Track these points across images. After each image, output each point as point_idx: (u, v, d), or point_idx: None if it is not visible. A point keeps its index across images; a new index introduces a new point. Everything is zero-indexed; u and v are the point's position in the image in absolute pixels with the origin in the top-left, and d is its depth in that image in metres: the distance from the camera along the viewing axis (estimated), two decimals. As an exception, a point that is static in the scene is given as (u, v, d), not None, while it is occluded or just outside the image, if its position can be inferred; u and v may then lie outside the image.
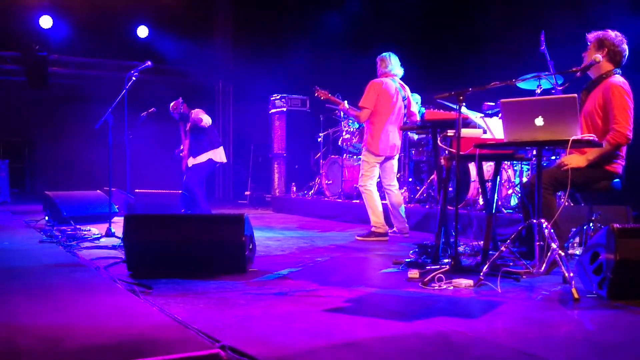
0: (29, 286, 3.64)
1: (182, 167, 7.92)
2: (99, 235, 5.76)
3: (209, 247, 4.01)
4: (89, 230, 6.13)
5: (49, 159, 12.41)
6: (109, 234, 5.72)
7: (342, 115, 8.28)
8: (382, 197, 6.32)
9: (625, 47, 4.31)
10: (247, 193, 11.59)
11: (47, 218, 7.03)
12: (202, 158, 7.61)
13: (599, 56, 4.23)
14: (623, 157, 4.25)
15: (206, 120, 7.49)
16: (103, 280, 3.80)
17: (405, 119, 6.17)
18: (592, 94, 4.31)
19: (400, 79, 6.18)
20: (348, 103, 6.39)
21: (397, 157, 6.22)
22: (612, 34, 4.31)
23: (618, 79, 4.24)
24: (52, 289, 3.58)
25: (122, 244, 4.35)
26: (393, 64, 6.09)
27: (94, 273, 4.04)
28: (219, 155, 7.67)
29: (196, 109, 7.63)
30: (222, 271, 3.95)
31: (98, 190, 7.65)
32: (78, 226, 6.34)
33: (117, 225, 5.43)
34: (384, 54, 6.15)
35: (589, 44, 4.39)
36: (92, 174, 10.48)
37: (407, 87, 6.20)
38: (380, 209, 6.03)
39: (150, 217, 4.32)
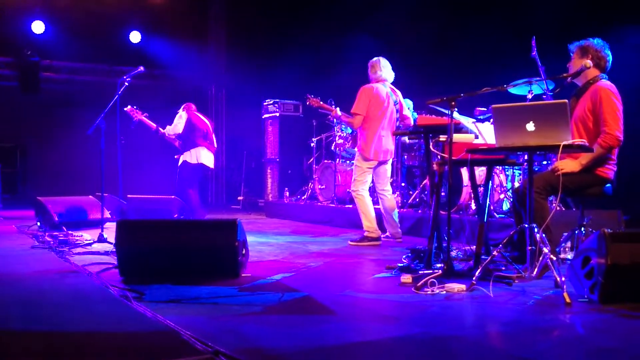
0: (21, 292, 3.63)
1: None
2: (91, 241, 5.74)
3: (201, 253, 4.00)
4: (81, 235, 6.11)
5: (41, 164, 12.35)
6: (101, 239, 5.69)
7: (334, 121, 8.29)
8: (375, 202, 6.33)
9: (608, 52, 4.35)
10: (240, 198, 11.57)
11: (39, 223, 7.00)
12: (180, 161, 7.72)
13: (589, 62, 4.27)
14: (615, 162, 4.29)
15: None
16: (95, 286, 3.79)
17: (398, 123, 6.19)
18: (582, 100, 4.34)
19: (393, 83, 6.19)
20: (340, 110, 6.39)
21: (390, 161, 6.23)
22: (594, 40, 4.36)
23: (606, 82, 4.28)
24: (44, 294, 3.57)
25: (114, 250, 4.34)
26: (384, 69, 6.10)
27: (86, 279, 4.03)
28: (194, 156, 7.64)
29: (179, 113, 7.71)
30: (214, 277, 3.94)
31: (90, 196, 7.62)
32: (70, 232, 6.32)
33: (110, 230, 5.41)
34: (374, 58, 6.16)
35: (571, 53, 4.44)
36: (84, 179, 10.40)
37: (398, 92, 6.21)
38: (373, 213, 6.04)
39: (142, 223, 4.30)
